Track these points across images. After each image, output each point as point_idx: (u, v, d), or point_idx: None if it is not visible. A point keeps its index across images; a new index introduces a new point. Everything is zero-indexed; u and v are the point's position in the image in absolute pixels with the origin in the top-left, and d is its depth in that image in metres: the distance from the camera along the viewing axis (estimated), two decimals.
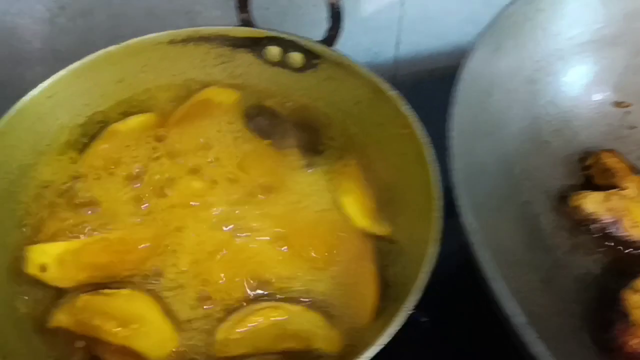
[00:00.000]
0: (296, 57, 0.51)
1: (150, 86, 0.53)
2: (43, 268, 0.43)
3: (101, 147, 0.49)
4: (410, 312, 0.37)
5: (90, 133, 0.50)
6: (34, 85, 0.62)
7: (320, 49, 0.49)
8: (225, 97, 0.53)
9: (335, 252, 0.45)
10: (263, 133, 0.51)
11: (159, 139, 0.50)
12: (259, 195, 0.47)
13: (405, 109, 0.46)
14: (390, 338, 0.37)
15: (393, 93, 0.47)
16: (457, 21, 0.74)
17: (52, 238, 0.45)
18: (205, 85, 0.54)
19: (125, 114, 0.52)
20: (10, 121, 0.45)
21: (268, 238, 0.45)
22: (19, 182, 0.47)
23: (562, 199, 0.52)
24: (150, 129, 0.51)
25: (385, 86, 0.47)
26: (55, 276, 0.43)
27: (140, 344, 0.41)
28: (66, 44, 0.61)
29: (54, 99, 0.48)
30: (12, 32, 0.59)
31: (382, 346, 0.36)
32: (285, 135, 0.51)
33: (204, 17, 0.63)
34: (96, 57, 0.49)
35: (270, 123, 0.51)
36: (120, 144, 0.49)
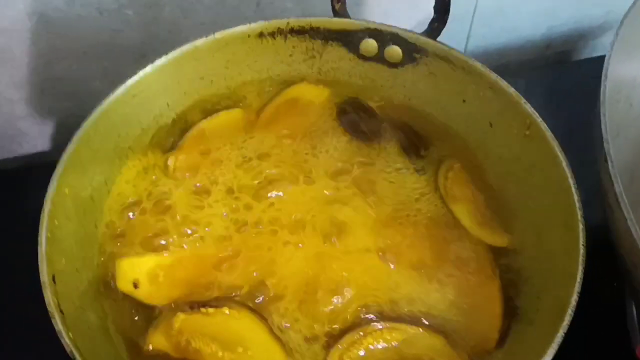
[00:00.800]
0: (394, 51, 0.47)
1: (232, 83, 0.49)
2: (135, 284, 0.40)
3: (188, 151, 0.45)
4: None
5: (173, 134, 0.47)
6: (93, 80, 0.61)
7: (426, 42, 0.45)
8: (315, 94, 0.49)
9: (450, 264, 0.41)
10: (358, 133, 0.47)
11: (248, 142, 0.46)
12: (362, 199, 0.44)
13: (527, 107, 0.42)
14: None
15: (512, 90, 0.42)
16: (530, 14, 0.70)
17: (140, 249, 0.42)
18: (291, 82, 0.50)
19: (207, 113, 0.48)
20: (96, 123, 0.41)
21: (375, 251, 0.41)
22: (103, 189, 0.43)
23: None
24: (238, 129, 0.47)
25: (503, 83, 0.43)
26: (148, 292, 0.40)
27: None
28: (131, 37, 0.58)
29: (138, 98, 0.44)
30: (77, 24, 0.56)
31: None
32: (382, 136, 0.47)
33: (274, 7, 0.59)
34: (181, 53, 0.45)
35: (366, 122, 0.47)
36: (209, 146, 0.46)
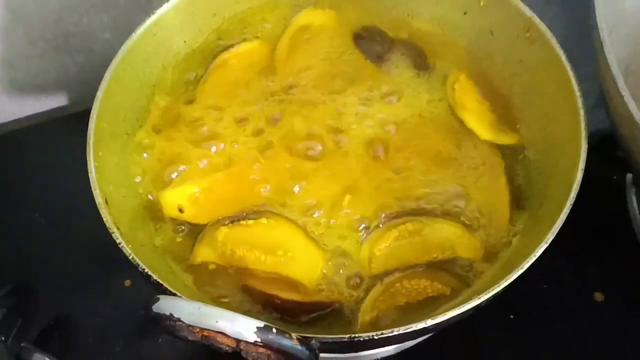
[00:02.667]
0: None
1: (239, 11, 0.51)
2: (181, 209, 0.43)
3: (213, 83, 0.48)
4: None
5: (194, 69, 0.49)
6: (103, 32, 0.62)
7: None
8: (325, 19, 0.51)
9: (462, 164, 0.45)
10: (375, 57, 0.49)
11: (272, 75, 0.49)
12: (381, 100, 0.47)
13: (526, 10, 0.44)
14: (547, 245, 0.36)
15: None
16: None
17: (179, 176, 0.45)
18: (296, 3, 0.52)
19: (223, 44, 0.50)
20: (122, 63, 0.44)
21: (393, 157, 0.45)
22: (135, 125, 0.46)
23: None
24: (259, 60, 0.49)
25: None
26: (193, 214, 0.43)
27: (289, 269, 0.41)
28: None
29: (157, 37, 0.47)
30: None
31: (547, 244, 0.36)
32: (396, 58, 0.49)
33: None
34: None
35: (381, 46, 0.49)
36: (232, 77, 0.48)
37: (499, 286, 0.33)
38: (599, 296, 0.49)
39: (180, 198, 0.43)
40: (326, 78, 0.48)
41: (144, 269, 0.35)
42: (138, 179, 0.44)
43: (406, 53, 0.49)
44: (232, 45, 0.50)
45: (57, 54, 0.62)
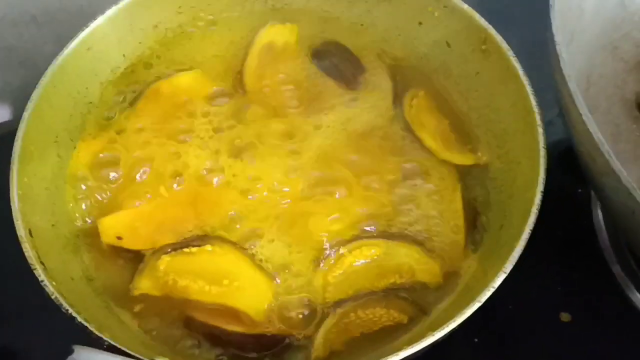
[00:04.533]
0: None
1: (186, 29, 0.49)
2: (119, 237, 0.40)
3: (147, 107, 0.45)
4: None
5: (134, 83, 0.46)
6: (45, 45, 0.59)
7: None
8: (287, 34, 0.48)
9: (415, 184, 0.42)
10: (336, 75, 0.47)
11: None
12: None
13: (482, 22, 0.42)
14: (505, 275, 0.34)
15: (465, 6, 0.43)
16: None
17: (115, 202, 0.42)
18: (243, 21, 0.49)
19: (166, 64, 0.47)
20: (53, 79, 0.41)
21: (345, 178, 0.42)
22: (68, 145, 0.43)
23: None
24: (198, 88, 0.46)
25: (456, 0, 0.43)
26: (132, 241, 0.40)
27: (236, 300, 0.38)
28: None
29: (93, 50, 0.44)
30: None
31: (505, 274, 0.34)
32: (358, 74, 0.47)
33: None
34: (131, 1, 0.44)
35: (342, 63, 0.47)
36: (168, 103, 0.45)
37: (454, 322, 0.31)
38: (565, 316, 0.47)
39: (121, 224, 0.40)
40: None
41: (67, 310, 0.32)
42: (71, 205, 0.41)
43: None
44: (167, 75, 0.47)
45: None
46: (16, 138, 0.38)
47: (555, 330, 0.46)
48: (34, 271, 0.33)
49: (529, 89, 0.39)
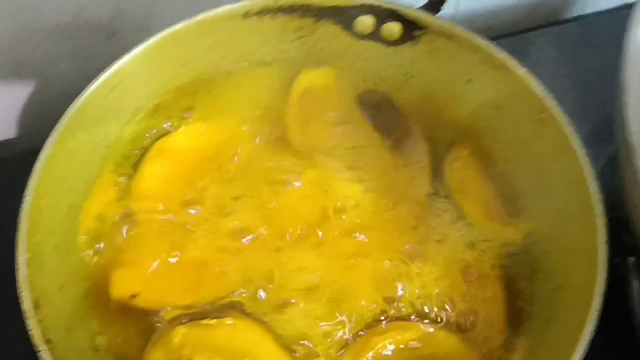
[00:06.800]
0: (393, 28, 0.43)
1: (215, 67, 0.45)
2: (133, 295, 0.37)
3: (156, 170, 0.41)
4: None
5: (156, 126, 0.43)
6: (60, 62, 0.55)
7: (427, 18, 0.41)
8: (324, 78, 0.45)
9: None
10: (383, 130, 0.44)
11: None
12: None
13: (540, 89, 0.39)
14: None
15: (522, 71, 0.39)
16: None
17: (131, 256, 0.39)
18: (276, 64, 0.46)
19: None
20: (71, 124, 0.37)
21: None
22: (82, 195, 0.40)
23: None
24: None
25: (512, 62, 0.40)
26: (146, 300, 0.37)
27: None
28: (99, 13, 0.53)
29: (116, 90, 0.40)
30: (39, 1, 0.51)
31: None
32: (407, 137, 0.43)
33: None
34: (160, 39, 0.40)
35: (390, 118, 0.44)
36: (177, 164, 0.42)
37: None
38: None
39: (136, 280, 0.37)
40: None
41: None
42: (81, 260, 0.38)
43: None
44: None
45: (6, 84, 0.55)
46: (26, 192, 0.34)
47: None
48: (39, 353, 0.30)
49: (588, 172, 0.36)
